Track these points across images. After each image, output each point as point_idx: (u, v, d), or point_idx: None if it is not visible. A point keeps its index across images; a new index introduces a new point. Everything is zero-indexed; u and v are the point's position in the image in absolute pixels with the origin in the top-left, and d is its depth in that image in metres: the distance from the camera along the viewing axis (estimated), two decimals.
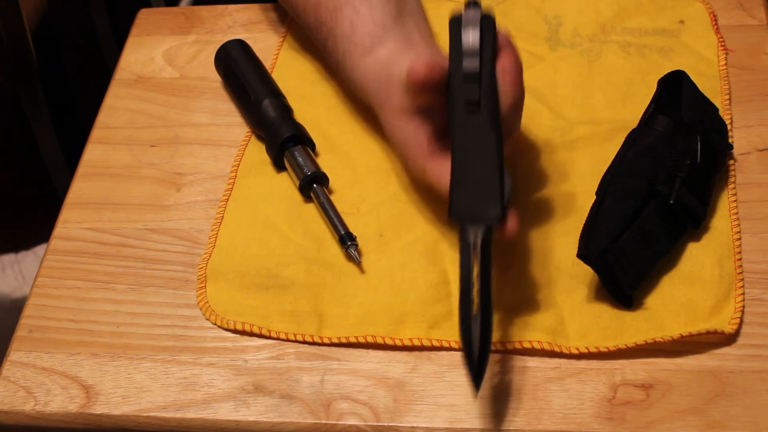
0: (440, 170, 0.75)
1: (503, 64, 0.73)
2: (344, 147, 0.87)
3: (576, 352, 0.72)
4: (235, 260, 0.80)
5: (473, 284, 0.69)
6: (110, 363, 0.75)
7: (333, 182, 0.84)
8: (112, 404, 0.73)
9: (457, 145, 0.73)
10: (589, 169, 0.82)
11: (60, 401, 0.74)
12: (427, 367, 0.73)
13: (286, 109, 0.88)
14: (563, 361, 0.72)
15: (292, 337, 0.75)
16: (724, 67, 0.88)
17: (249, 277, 0.79)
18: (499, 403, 0.70)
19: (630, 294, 0.73)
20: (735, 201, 0.79)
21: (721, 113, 0.83)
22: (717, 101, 0.84)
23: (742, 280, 0.74)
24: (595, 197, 0.75)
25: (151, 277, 0.80)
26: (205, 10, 1.01)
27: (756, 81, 0.87)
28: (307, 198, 0.83)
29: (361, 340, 0.74)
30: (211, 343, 0.76)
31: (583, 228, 0.74)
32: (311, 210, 0.83)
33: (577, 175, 0.82)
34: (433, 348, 0.74)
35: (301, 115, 0.89)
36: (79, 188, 0.88)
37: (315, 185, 0.83)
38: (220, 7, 1.01)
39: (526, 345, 0.72)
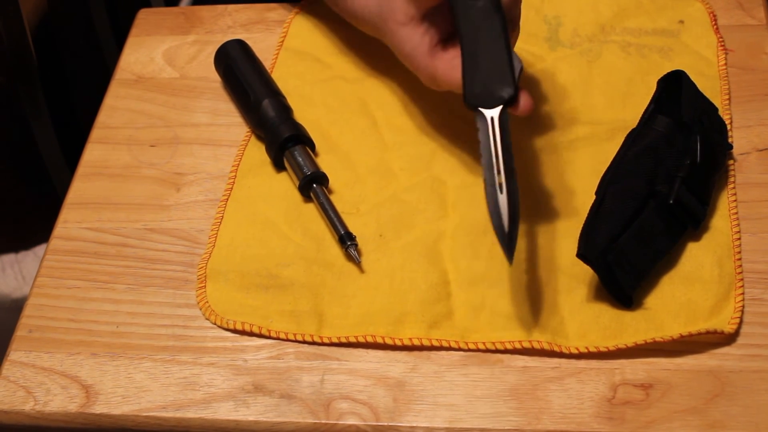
0: (451, 66, 0.78)
1: None
2: (344, 147, 0.87)
3: (576, 351, 0.72)
4: (235, 260, 0.80)
5: (497, 155, 0.72)
6: (110, 363, 0.76)
7: (333, 182, 0.84)
8: (111, 404, 0.73)
9: (464, 34, 0.75)
10: (589, 169, 0.82)
11: (60, 401, 0.74)
12: (426, 367, 0.73)
13: (285, 109, 0.88)
14: (563, 360, 0.72)
15: (291, 337, 0.75)
16: (724, 67, 0.88)
17: (249, 276, 0.79)
18: (498, 402, 0.70)
19: (630, 294, 0.73)
20: (735, 201, 0.79)
21: (720, 113, 0.83)
22: (717, 101, 0.84)
23: (742, 279, 0.74)
24: (594, 197, 0.75)
25: (151, 276, 0.80)
26: (204, 10, 1.01)
27: (756, 81, 0.87)
28: (307, 198, 0.83)
29: (361, 339, 0.74)
30: (211, 342, 0.76)
31: (583, 228, 0.74)
32: (311, 210, 0.83)
33: (577, 175, 0.82)
34: (432, 348, 0.74)
35: (300, 115, 0.89)
36: (79, 188, 0.88)
37: (315, 185, 0.83)
38: (220, 7, 1.01)
39: (526, 345, 0.72)
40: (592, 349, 0.72)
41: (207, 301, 0.78)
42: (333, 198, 0.83)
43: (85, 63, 1.33)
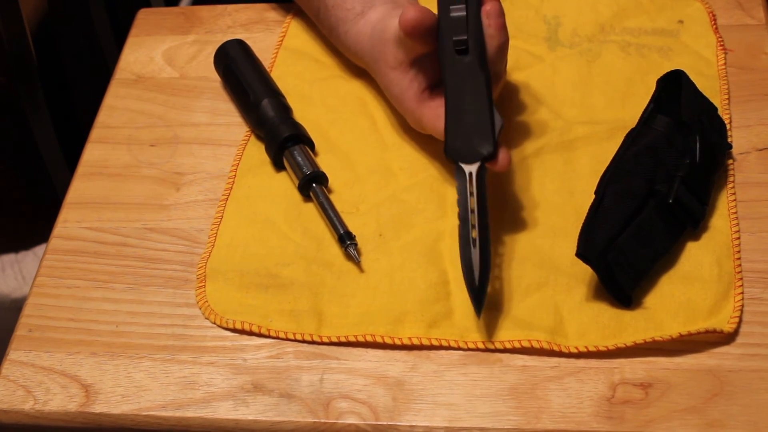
0: (435, 115, 0.80)
1: (487, 9, 0.79)
2: (343, 147, 0.87)
3: (575, 351, 0.72)
4: (235, 260, 0.80)
5: (472, 210, 0.74)
6: (110, 362, 0.76)
7: (332, 182, 0.84)
8: (111, 403, 0.73)
9: (449, 88, 0.78)
10: (588, 168, 0.82)
11: (59, 400, 0.74)
12: (426, 366, 0.73)
13: (285, 109, 0.88)
14: (562, 360, 0.72)
15: (291, 336, 0.75)
16: (723, 67, 0.88)
17: (248, 276, 0.79)
18: (498, 402, 0.70)
19: (629, 293, 0.73)
20: (734, 200, 0.79)
21: (720, 113, 0.83)
22: (716, 101, 0.84)
23: (741, 279, 0.74)
24: (594, 196, 0.75)
25: (150, 276, 0.80)
26: (204, 10, 1.01)
27: (755, 81, 0.87)
28: (307, 197, 0.83)
29: (361, 339, 0.74)
30: (211, 342, 0.76)
31: (582, 227, 0.74)
32: (310, 209, 0.83)
33: (576, 174, 0.82)
34: (432, 347, 0.74)
35: (300, 115, 0.89)
36: (79, 188, 0.88)
37: (314, 185, 0.83)
38: (220, 7, 1.01)
39: (525, 344, 0.72)
40: (592, 349, 0.72)
41: (206, 301, 0.78)
42: (332, 197, 0.83)
43: (85, 63, 1.33)
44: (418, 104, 0.82)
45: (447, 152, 0.77)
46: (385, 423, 0.70)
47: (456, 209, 0.76)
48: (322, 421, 0.71)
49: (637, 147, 0.77)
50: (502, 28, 0.79)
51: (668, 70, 0.82)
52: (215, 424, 0.72)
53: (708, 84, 0.86)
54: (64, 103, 1.18)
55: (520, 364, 0.72)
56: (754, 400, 0.68)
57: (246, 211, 0.83)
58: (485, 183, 0.75)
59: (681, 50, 0.90)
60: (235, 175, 0.86)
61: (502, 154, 0.76)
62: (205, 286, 0.79)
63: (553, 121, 0.86)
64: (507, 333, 0.73)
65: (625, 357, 0.72)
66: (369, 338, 0.74)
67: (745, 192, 0.79)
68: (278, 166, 0.86)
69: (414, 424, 0.70)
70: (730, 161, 0.81)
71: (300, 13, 0.98)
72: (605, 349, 0.72)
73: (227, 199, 0.84)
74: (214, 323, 0.77)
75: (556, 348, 0.72)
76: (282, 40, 0.97)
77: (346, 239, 0.79)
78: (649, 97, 0.81)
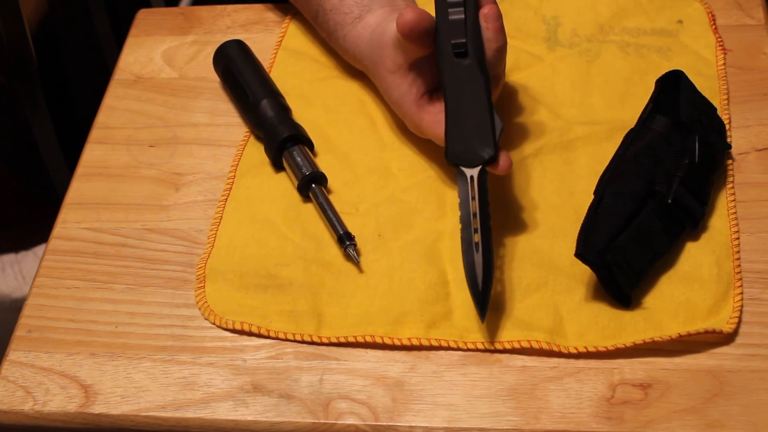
0: (435, 119, 0.80)
1: (485, 12, 0.79)
2: (343, 147, 0.87)
3: (575, 351, 0.72)
4: (234, 260, 0.80)
5: (474, 214, 0.74)
6: (109, 363, 0.76)
7: (331, 182, 0.84)
8: (110, 404, 0.73)
9: (448, 91, 0.78)
10: (588, 168, 0.82)
11: (59, 401, 0.74)
12: (425, 367, 0.73)
13: (284, 109, 0.88)
14: (562, 360, 0.72)
15: (290, 337, 0.75)
16: (723, 67, 0.88)
17: (248, 276, 0.79)
18: (497, 402, 0.70)
19: (628, 293, 0.73)
20: (733, 200, 0.79)
21: (719, 113, 0.83)
22: (715, 101, 0.84)
23: (741, 279, 0.74)
24: (593, 197, 0.75)
25: (150, 277, 0.80)
26: (204, 11, 1.01)
27: (754, 81, 0.87)
28: (306, 198, 0.83)
29: (360, 339, 0.74)
30: (210, 342, 0.76)
31: (582, 227, 0.74)
32: (310, 210, 0.83)
33: (576, 174, 0.82)
34: (431, 347, 0.74)
35: (299, 115, 0.89)
36: (78, 188, 0.88)
37: (314, 185, 0.83)
38: (219, 8, 1.01)
39: (525, 344, 0.72)
40: (591, 349, 0.72)
41: (206, 301, 0.78)
42: (332, 198, 0.83)
43: (85, 63, 1.33)
44: (418, 109, 0.82)
45: (448, 156, 0.77)
46: (384, 423, 0.70)
47: (456, 210, 0.76)
48: (322, 421, 0.71)
49: (636, 147, 0.77)
50: (500, 30, 0.79)
51: (667, 71, 0.82)
52: (215, 424, 0.72)
53: (707, 84, 0.86)
54: (64, 103, 1.18)
55: (519, 365, 0.72)
56: (754, 401, 0.68)
57: (245, 211, 0.83)
58: (487, 186, 0.76)
59: (680, 50, 0.90)
60: (234, 176, 0.86)
61: (502, 158, 0.76)
62: (204, 286, 0.79)
63: (552, 121, 0.86)
64: (507, 333, 0.73)
65: (624, 357, 0.72)
66: (368, 339, 0.74)
67: (744, 192, 0.79)
68: (277, 166, 0.86)
69: (413, 424, 0.70)
70: (730, 161, 0.81)
71: (299, 14, 0.98)
72: (605, 349, 0.72)
73: (226, 199, 0.84)
74: (214, 324, 0.77)
75: (555, 348, 0.72)
76: (281, 41, 0.97)
77: (345, 240, 0.79)
78: (649, 98, 0.81)
